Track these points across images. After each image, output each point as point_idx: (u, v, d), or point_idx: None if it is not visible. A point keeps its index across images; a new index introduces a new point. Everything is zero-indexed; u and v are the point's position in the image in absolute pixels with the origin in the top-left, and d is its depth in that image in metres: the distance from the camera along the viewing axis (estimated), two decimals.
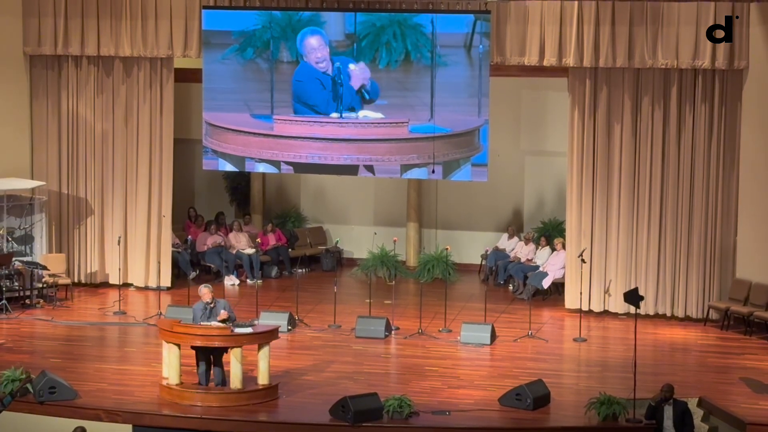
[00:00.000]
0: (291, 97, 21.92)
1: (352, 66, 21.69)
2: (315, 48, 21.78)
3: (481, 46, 21.16)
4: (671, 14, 20.52)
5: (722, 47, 20.29)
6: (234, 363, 16.03)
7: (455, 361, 18.70)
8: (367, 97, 21.70)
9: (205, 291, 16.54)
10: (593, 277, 21.54)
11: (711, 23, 20.16)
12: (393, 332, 20.14)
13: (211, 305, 16.38)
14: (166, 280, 23.02)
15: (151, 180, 23.00)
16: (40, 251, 22.38)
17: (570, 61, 21.00)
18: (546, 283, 22.53)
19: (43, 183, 22.75)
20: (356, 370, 17.92)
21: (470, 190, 25.01)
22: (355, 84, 21.67)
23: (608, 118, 21.29)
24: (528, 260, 23.57)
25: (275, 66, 22.04)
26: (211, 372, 16.39)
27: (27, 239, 22.30)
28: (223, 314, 16.26)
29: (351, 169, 21.98)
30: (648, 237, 21.29)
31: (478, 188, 24.63)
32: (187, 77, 23.61)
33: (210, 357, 16.32)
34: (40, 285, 21.90)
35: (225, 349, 16.27)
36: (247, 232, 24.93)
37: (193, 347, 16.29)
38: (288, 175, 25.92)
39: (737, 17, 19.65)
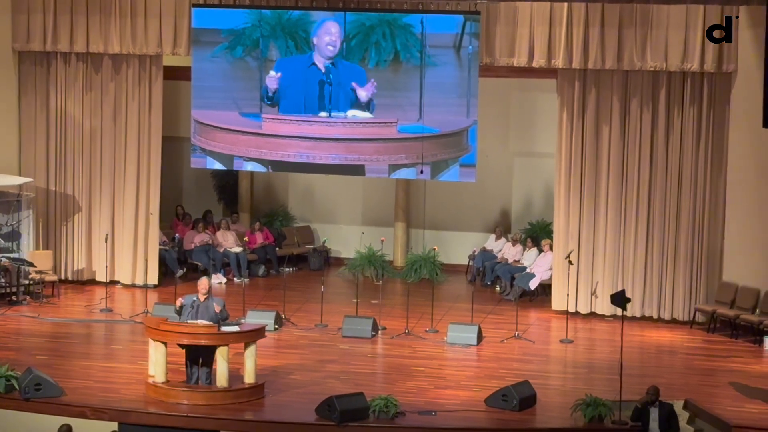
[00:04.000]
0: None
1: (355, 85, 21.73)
2: (332, 33, 21.68)
3: (470, 47, 21.17)
4: (660, 17, 20.55)
5: (711, 51, 20.34)
6: (220, 361, 16.01)
7: (442, 361, 18.71)
8: (364, 106, 21.74)
9: (204, 282, 16.41)
10: (580, 278, 21.56)
11: (700, 26, 20.27)
12: (380, 332, 20.14)
13: (205, 303, 16.26)
14: (153, 278, 22.99)
15: (139, 177, 22.97)
16: (27, 248, 22.32)
17: (559, 62, 21.03)
18: (533, 285, 22.55)
19: (31, 180, 22.69)
20: (343, 370, 17.91)
21: (458, 190, 25.02)
22: (363, 97, 21.67)
23: (597, 120, 21.32)
24: (515, 261, 23.59)
25: (264, 64, 22.03)
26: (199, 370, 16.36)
27: (14, 236, 22.25)
28: (217, 307, 16.19)
29: (357, 170, 21.98)
30: (635, 239, 21.32)
31: (466, 189, 24.64)
32: (176, 75, 23.61)
33: (198, 355, 16.25)
34: (27, 282, 21.86)
35: (213, 350, 16.20)
36: (234, 230, 24.92)
37: (180, 345, 16.25)
38: (276, 174, 25.91)
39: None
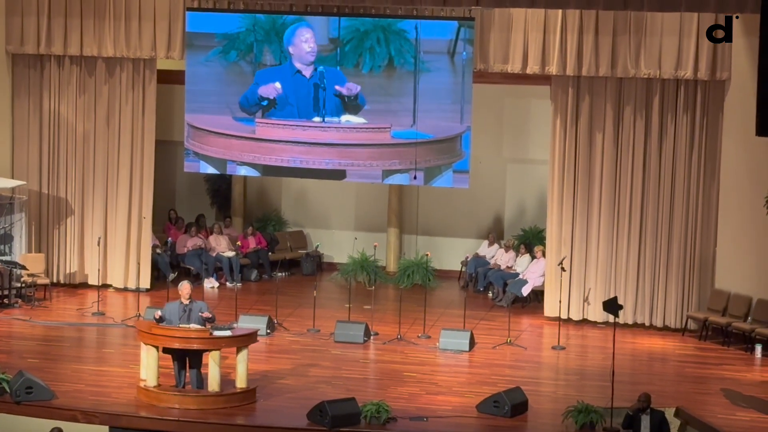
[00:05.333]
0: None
1: (338, 87, 21.71)
2: (308, 39, 21.70)
3: (464, 53, 21.18)
4: (654, 24, 20.58)
5: (704, 58, 20.38)
6: (212, 366, 16.00)
7: (434, 367, 18.70)
8: (350, 102, 21.70)
9: (186, 286, 16.44)
10: (573, 285, 21.57)
11: (694, 34, 20.30)
12: (372, 337, 20.13)
13: (189, 306, 16.31)
14: (146, 282, 22.97)
15: (132, 181, 22.95)
16: (19, 251, 22.30)
17: (553, 69, 21.04)
18: (525, 291, 22.56)
19: (24, 182, 22.67)
20: (334, 375, 17.91)
21: (451, 196, 25.02)
22: (346, 91, 21.67)
23: (590, 127, 21.34)
24: (508, 267, 23.58)
25: (258, 69, 22.02)
26: (187, 374, 16.35)
27: (6, 239, 22.22)
28: (206, 314, 16.22)
29: (338, 174, 21.97)
30: (628, 246, 21.33)
31: (460, 195, 24.63)
32: (170, 79, 23.58)
33: (185, 359, 16.27)
34: (19, 285, 21.82)
35: (201, 352, 16.22)
36: (227, 234, 24.90)
37: (165, 350, 16.22)
38: (269, 179, 25.89)
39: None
